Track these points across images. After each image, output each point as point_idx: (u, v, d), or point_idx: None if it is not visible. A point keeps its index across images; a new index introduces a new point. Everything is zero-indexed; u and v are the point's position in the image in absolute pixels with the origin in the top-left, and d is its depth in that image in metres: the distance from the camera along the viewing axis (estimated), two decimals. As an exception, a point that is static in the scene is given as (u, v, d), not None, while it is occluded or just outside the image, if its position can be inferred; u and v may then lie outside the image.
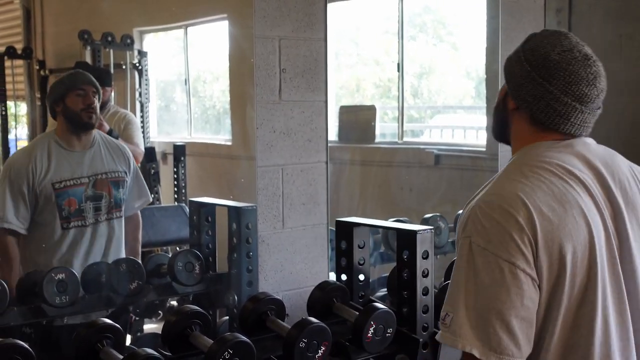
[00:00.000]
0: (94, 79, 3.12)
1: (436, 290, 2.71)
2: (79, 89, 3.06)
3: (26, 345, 2.07)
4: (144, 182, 3.36)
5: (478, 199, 1.75)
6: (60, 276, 2.55)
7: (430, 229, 2.60)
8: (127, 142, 3.50)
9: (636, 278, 1.76)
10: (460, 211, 3.58)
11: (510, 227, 1.64)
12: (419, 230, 2.55)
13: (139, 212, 3.33)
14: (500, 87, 1.98)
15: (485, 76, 4.43)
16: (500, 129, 1.96)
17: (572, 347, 1.69)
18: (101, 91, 3.18)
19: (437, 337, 1.74)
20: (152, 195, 3.82)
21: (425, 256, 2.55)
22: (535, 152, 1.80)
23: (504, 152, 3.69)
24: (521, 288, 1.62)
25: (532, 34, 1.89)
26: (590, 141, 1.86)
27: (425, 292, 2.58)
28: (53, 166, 2.99)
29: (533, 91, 1.79)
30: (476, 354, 1.63)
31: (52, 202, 2.97)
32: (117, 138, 3.38)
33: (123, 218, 3.18)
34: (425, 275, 2.57)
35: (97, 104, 3.10)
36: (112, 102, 3.76)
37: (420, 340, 2.57)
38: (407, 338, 2.58)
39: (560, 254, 1.65)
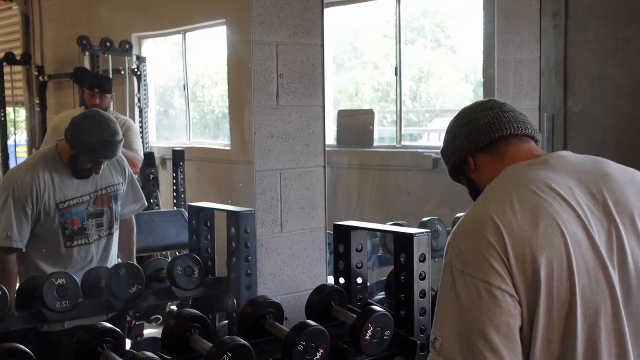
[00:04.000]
0: (117, 152, 3.07)
1: (433, 293, 2.73)
2: (94, 160, 3.03)
3: (27, 350, 2.08)
4: (139, 187, 3.38)
5: (457, 225, 1.79)
6: (60, 281, 2.57)
7: (427, 232, 2.62)
8: (127, 149, 3.52)
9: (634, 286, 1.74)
10: (459, 214, 3.62)
11: (482, 247, 1.66)
12: (415, 234, 2.56)
13: (133, 216, 3.35)
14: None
15: (482, 80, 4.45)
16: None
17: None
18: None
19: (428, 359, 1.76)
20: (152, 200, 3.84)
21: (422, 259, 2.57)
22: (510, 173, 1.85)
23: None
24: (499, 306, 1.63)
25: None
26: (568, 154, 1.89)
27: (423, 294, 2.60)
28: (57, 184, 3.00)
29: (462, 136, 1.97)
30: None
31: (55, 221, 3.00)
32: None
33: (118, 230, 3.22)
34: (422, 278, 2.59)
35: (102, 167, 3.08)
36: (112, 108, 3.78)
37: (418, 342, 2.58)
38: (405, 340, 2.60)
39: (533, 268, 1.64)
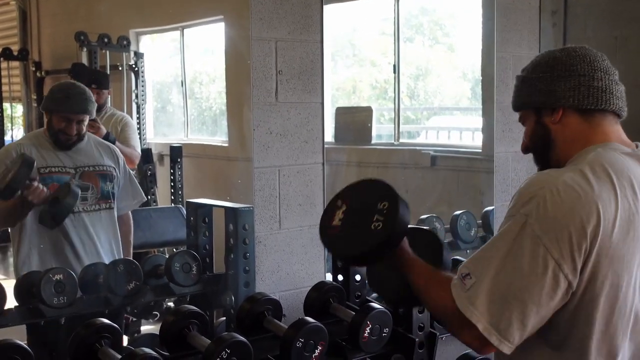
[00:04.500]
0: (88, 107, 3.14)
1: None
2: (67, 116, 3.09)
3: (25, 345, 2.08)
4: (137, 182, 3.40)
5: (553, 179, 1.66)
6: (58, 277, 2.56)
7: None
8: (124, 145, 3.51)
9: None
10: (458, 212, 3.62)
11: (574, 229, 1.59)
12: (414, 231, 2.55)
13: (129, 213, 3.35)
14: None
15: (481, 77, 4.44)
16: (543, 151, 1.88)
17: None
18: (94, 115, 3.21)
19: (452, 285, 1.69)
20: (149, 197, 3.83)
21: (421, 256, 2.56)
22: (612, 157, 1.73)
23: (500, 153, 3.70)
24: (555, 292, 1.60)
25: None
26: None
27: (421, 292, 2.59)
28: (41, 154, 3.06)
29: (568, 85, 1.80)
30: (480, 328, 1.62)
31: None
32: (114, 142, 3.39)
33: (115, 210, 3.22)
34: (421, 275, 2.58)
35: (82, 128, 3.13)
36: (109, 104, 3.77)
37: (417, 340, 2.58)
38: (403, 338, 2.60)
39: (606, 271, 1.62)
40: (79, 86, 3.19)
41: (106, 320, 2.25)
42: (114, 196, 3.21)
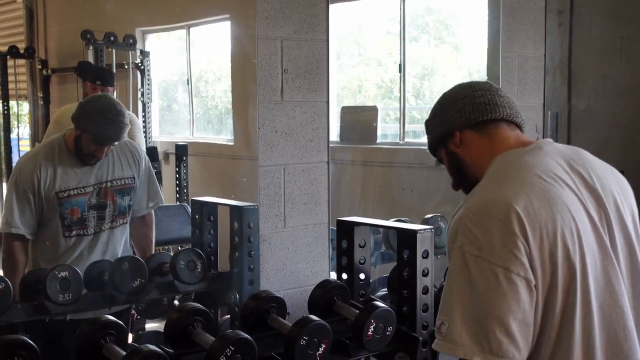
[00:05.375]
0: (124, 133, 3.02)
1: (436, 289, 2.73)
2: (98, 142, 2.99)
3: (30, 341, 2.08)
4: (157, 183, 3.34)
5: (465, 209, 1.76)
6: (64, 274, 2.57)
7: (431, 229, 2.61)
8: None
9: (631, 261, 1.82)
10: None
11: (502, 233, 1.66)
12: (419, 230, 2.56)
13: (152, 212, 3.33)
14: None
15: (486, 77, 4.45)
16: (462, 176, 2.01)
17: (561, 343, 1.72)
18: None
19: (434, 346, 1.74)
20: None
21: (425, 255, 2.57)
22: (509, 159, 1.85)
23: (505, 152, 3.70)
24: (517, 292, 1.64)
25: None
26: (552, 141, 1.94)
27: (425, 291, 2.59)
28: (59, 173, 2.99)
29: (455, 109, 1.97)
30: None
31: (55, 210, 2.99)
32: None
33: (127, 225, 3.20)
34: (425, 274, 2.58)
35: (110, 149, 3.05)
36: (115, 102, 3.77)
37: (420, 338, 2.58)
38: (407, 336, 2.60)
39: (551, 251, 1.67)
40: (119, 110, 3.01)
41: (111, 317, 2.25)
42: (130, 209, 3.18)
